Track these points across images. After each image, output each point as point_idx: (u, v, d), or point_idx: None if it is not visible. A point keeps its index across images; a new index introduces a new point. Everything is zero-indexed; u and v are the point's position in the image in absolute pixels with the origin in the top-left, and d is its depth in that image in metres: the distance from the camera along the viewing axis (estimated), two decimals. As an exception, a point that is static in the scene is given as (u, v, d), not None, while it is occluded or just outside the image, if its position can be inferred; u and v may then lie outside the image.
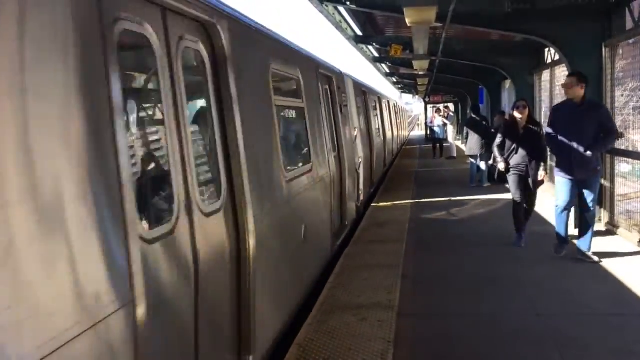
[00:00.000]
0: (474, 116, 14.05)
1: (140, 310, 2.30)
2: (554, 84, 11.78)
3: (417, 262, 7.05)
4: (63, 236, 1.97)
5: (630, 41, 8.11)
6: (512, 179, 7.59)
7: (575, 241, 6.92)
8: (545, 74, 12.71)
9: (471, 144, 13.67)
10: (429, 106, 36.19)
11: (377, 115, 15.39)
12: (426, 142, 29.57)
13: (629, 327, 4.82)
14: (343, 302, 5.60)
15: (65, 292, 1.94)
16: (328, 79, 8.11)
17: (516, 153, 7.47)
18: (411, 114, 61.64)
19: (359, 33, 15.36)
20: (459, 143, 25.90)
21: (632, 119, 8.36)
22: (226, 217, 3.54)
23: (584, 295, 5.63)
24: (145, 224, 2.53)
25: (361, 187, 10.09)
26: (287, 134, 5.64)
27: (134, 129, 2.86)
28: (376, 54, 20.43)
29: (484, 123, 14.06)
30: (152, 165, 3.00)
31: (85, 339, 1.99)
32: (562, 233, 6.91)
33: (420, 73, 19.88)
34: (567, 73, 9.56)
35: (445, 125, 22.61)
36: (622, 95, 8.59)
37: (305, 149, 6.18)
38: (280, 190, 4.72)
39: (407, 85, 36.51)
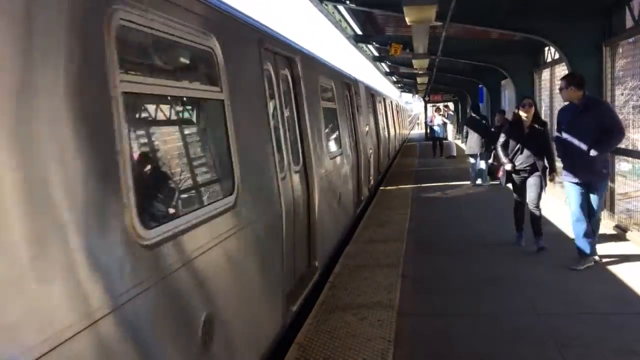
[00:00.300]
0: (473, 115, 14.06)
1: (284, 212, 4.67)
2: (553, 83, 11.79)
3: (417, 263, 7.04)
4: (266, 174, 4.45)
5: (630, 40, 8.11)
6: (515, 179, 7.36)
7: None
8: (545, 73, 12.73)
9: (471, 143, 13.65)
10: (428, 105, 36.19)
11: (382, 114, 16.94)
12: (426, 141, 29.51)
13: (629, 326, 4.82)
14: (343, 302, 5.61)
15: (270, 197, 4.50)
16: (348, 86, 10.02)
17: (521, 153, 7.23)
18: (411, 113, 61.98)
19: (359, 32, 15.36)
20: (458, 142, 25.88)
21: (632, 118, 8.36)
22: (302, 175, 5.82)
23: (585, 295, 5.63)
24: (280, 171, 4.78)
25: (371, 173, 12.16)
26: (327, 126, 7.57)
27: (272, 123, 4.80)
28: (376, 53, 20.43)
29: (484, 122, 14.05)
30: (278, 144, 4.99)
31: (275, 217, 4.50)
32: (581, 245, 6.45)
33: (420, 72, 19.87)
34: (566, 72, 9.59)
35: (445, 124, 22.56)
36: (622, 94, 8.60)
37: (338, 139, 8.35)
38: (327, 164, 7.03)
39: (407, 84, 36.50)
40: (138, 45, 2.75)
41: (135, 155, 2.60)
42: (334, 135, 8.17)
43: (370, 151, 11.95)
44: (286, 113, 5.49)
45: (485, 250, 7.47)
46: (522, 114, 7.23)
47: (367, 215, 10.12)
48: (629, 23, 8.14)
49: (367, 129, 11.87)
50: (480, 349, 4.50)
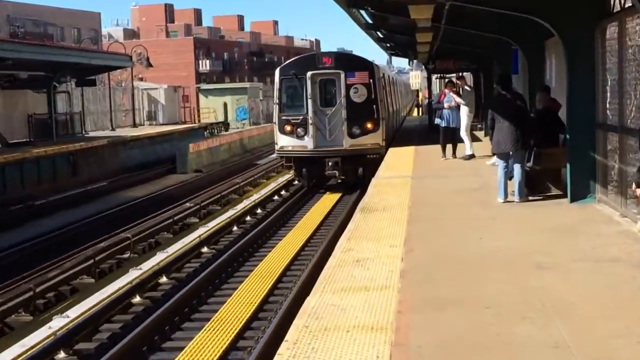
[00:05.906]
0: (503, 92, 13.95)
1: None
2: (624, 44, 11.61)
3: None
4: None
5: None
6: None
7: None
8: (612, 29, 12.62)
9: (499, 137, 13.31)
10: (434, 76, 36.43)
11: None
12: (429, 133, 28.99)
13: None
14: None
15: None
16: None
17: None
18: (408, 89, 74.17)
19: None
20: (481, 134, 26.04)
21: None
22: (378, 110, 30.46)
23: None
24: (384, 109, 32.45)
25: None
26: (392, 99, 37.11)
27: (394, 96, 39.42)
28: (370, 21, 20.93)
29: (519, 103, 13.86)
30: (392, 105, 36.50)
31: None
32: None
33: (421, 26, 19.86)
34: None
35: (458, 106, 21.53)
36: None
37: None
38: (389, 109, 33.42)
39: (400, 43, 36.85)
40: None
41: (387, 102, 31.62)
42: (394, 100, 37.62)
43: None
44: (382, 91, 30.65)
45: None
46: None
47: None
48: None
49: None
50: None
